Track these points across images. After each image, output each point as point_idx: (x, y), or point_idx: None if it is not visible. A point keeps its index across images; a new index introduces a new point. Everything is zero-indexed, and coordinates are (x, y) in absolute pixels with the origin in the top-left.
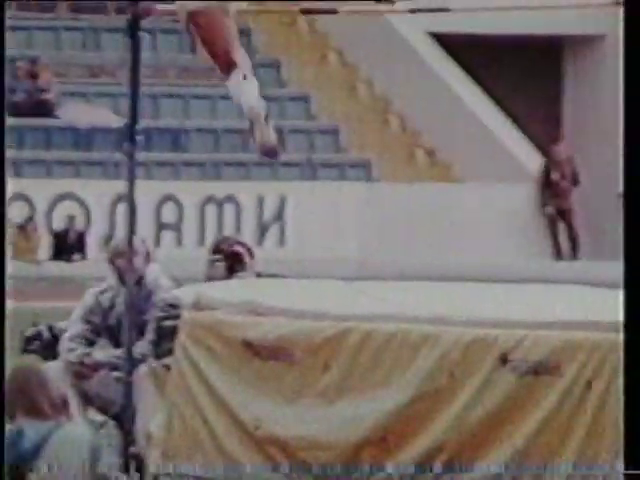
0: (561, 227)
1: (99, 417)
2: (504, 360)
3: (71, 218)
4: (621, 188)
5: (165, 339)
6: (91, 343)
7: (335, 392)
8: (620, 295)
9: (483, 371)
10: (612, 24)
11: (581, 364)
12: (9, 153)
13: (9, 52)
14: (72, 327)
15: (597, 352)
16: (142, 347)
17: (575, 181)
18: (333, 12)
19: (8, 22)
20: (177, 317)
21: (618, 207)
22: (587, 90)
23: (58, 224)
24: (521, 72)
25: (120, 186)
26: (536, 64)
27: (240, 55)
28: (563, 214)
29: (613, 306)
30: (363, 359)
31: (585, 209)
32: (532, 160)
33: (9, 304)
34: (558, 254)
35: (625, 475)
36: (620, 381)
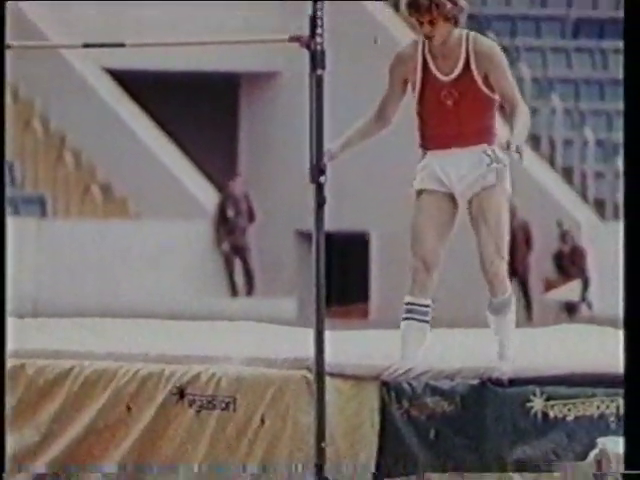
0: (237, 264)
1: None
2: (181, 394)
3: None
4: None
5: None
6: None
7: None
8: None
9: (160, 405)
10: (287, 60)
11: (255, 399)
12: None
13: None
14: None
15: (270, 388)
16: None
17: (251, 217)
18: (7, 47)
19: None
20: None
21: (294, 244)
22: (262, 126)
23: None
24: (198, 108)
25: None
26: (212, 100)
27: None
28: (239, 251)
29: (287, 342)
30: (35, 395)
31: (261, 246)
32: (208, 196)
33: None
34: (234, 291)
35: (625, 475)
36: (294, 417)
